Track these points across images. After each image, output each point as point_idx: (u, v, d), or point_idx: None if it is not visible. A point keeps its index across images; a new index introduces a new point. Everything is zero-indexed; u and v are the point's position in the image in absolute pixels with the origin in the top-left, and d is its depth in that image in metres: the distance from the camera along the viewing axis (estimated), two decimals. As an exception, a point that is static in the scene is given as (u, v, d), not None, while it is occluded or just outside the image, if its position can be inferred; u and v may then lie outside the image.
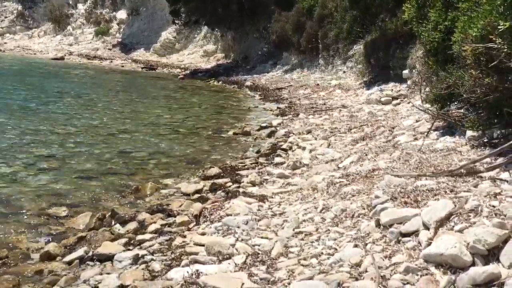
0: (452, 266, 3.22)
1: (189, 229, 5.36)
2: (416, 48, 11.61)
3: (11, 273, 4.59)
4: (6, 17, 48.25)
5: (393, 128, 8.30)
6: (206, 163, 8.56)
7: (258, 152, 9.16)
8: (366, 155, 6.85)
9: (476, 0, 5.77)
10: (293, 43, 21.18)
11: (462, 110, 6.62)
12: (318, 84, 16.81)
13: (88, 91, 18.27)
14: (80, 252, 4.95)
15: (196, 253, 4.46)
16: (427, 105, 7.26)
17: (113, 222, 5.84)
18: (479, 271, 3.03)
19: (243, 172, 7.64)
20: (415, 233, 3.78)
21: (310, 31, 19.85)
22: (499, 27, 4.83)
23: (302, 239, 4.46)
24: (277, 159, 8.22)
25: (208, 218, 5.57)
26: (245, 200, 5.89)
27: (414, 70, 11.36)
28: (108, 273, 4.42)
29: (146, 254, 4.73)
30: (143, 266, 4.47)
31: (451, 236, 3.43)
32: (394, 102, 11.09)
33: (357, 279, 3.43)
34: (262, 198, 5.99)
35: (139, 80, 23.44)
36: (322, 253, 4.03)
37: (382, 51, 14.02)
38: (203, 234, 5.03)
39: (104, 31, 41.00)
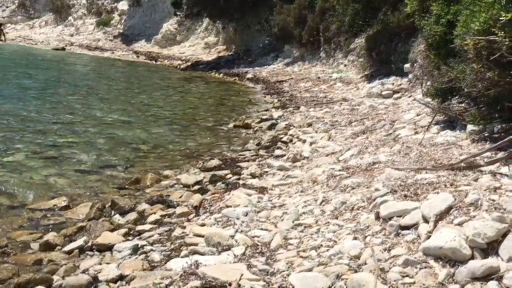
0: (451, 259, 3.23)
1: (188, 220, 5.37)
2: (418, 42, 11.56)
3: (11, 262, 4.60)
4: (7, 7, 48.09)
5: (393, 121, 8.29)
6: (206, 154, 8.56)
7: (258, 144, 9.15)
8: (367, 148, 6.84)
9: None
10: (295, 36, 21.08)
11: (463, 104, 6.60)
12: (319, 77, 16.73)
13: (89, 82, 18.24)
14: (79, 242, 4.97)
15: (196, 244, 4.47)
16: (428, 99, 7.25)
17: (113, 213, 5.85)
18: (478, 264, 3.04)
19: (243, 164, 7.65)
20: (415, 226, 3.79)
21: (312, 24, 19.76)
22: (500, 18, 4.80)
23: (302, 231, 4.47)
24: (278, 152, 8.23)
25: (208, 210, 5.58)
26: (245, 192, 5.89)
27: (415, 64, 11.32)
28: (108, 263, 4.44)
29: (145, 245, 4.74)
30: (143, 256, 4.49)
31: (450, 229, 3.44)
32: (395, 96, 11.06)
33: (356, 272, 3.44)
34: (262, 190, 6.00)
35: (140, 71, 23.40)
36: (321, 245, 4.04)
37: (383, 45, 13.96)
38: (202, 225, 5.05)
39: (106, 22, 40.80)
